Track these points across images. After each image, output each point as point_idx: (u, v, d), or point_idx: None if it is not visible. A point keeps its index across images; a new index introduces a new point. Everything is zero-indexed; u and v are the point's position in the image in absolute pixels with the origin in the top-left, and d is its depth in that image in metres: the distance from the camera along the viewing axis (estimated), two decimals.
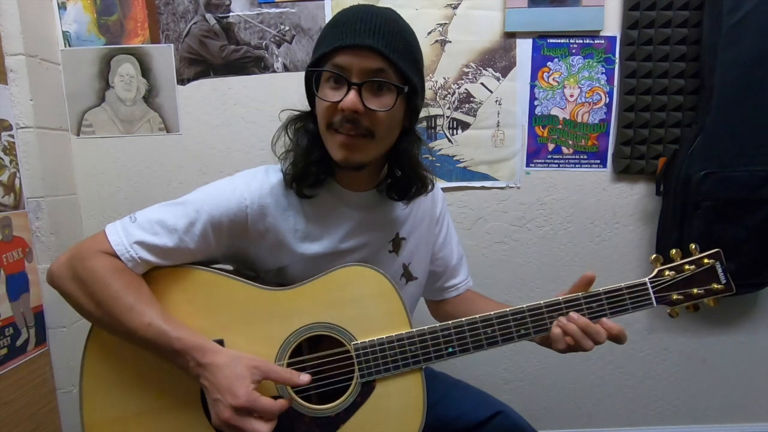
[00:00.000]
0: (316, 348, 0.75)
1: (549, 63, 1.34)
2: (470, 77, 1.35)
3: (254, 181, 0.77)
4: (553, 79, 1.35)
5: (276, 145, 0.79)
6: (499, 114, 1.36)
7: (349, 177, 0.79)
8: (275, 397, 0.68)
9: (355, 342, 0.73)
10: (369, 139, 0.71)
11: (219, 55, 1.32)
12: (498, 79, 1.35)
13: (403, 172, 0.79)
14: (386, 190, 0.81)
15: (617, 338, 0.73)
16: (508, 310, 0.74)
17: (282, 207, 0.77)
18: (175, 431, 0.72)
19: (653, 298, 0.75)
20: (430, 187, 0.82)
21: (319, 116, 0.73)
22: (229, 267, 0.82)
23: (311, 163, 0.75)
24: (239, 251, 0.78)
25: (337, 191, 0.80)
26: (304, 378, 0.69)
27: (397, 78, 0.71)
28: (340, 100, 0.68)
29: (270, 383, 0.70)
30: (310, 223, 0.79)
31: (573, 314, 0.73)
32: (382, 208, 0.84)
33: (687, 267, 0.75)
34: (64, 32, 1.30)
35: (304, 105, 0.80)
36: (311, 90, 0.75)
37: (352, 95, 0.68)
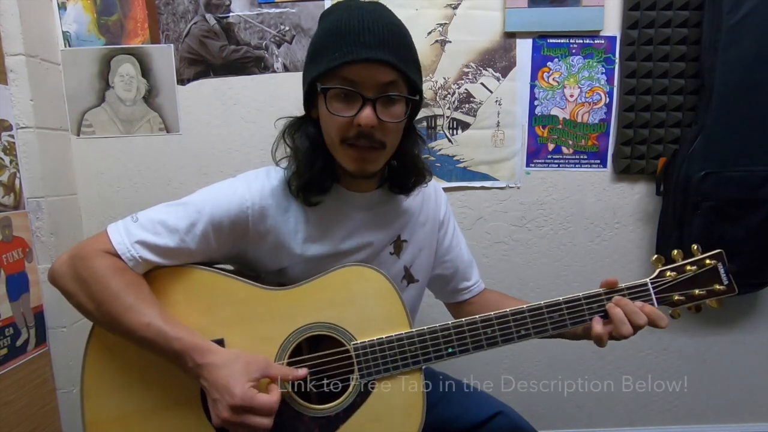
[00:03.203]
0: (315, 348, 0.75)
1: (549, 63, 1.34)
2: (470, 77, 1.35)
3: (255, 183, 0.77)
4: (553, 79, 1.35)
5: (276, 153, 0.78)
6: (499, 114, 1.36)
7: (354, 179, 0.79)
8: None
9: (355, 342, 0.73)
10: (381, 150, 0.72)
11: (219, 55, 1.32)
12: (498, 79, 1.35)
13: (402, 166, 0.80)
14: (389, 185, 0.82)
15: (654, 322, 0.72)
16: (508, 310, 0.74)
17: (283, 208, 0.77)
18: (176, 430, 0.72)
19: (654, 299, 0.75)
20: (428, 177, 0.83)
21: (331, 131, 0.71)
22: (230, 267, 0.82)
23: (316, 172, 0.75)
24: (240, 252, 0.78)
25: (340, 193, 0.80)
26: (301, 371, 0.70)
27: (407, 87, 0.71)
28: (354, 115, 0.68)
29: (267, 381, 0.70)
30: (312, 224, 0.78)
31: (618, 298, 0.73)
32: (384, 207, 0.84)
33: (689, 268, 0.75)
34: (64, 32, 1.30)
35: (300, 105, 0.79)
36: (310, 97, 0.75)
37: (369, 111, 0.68)
